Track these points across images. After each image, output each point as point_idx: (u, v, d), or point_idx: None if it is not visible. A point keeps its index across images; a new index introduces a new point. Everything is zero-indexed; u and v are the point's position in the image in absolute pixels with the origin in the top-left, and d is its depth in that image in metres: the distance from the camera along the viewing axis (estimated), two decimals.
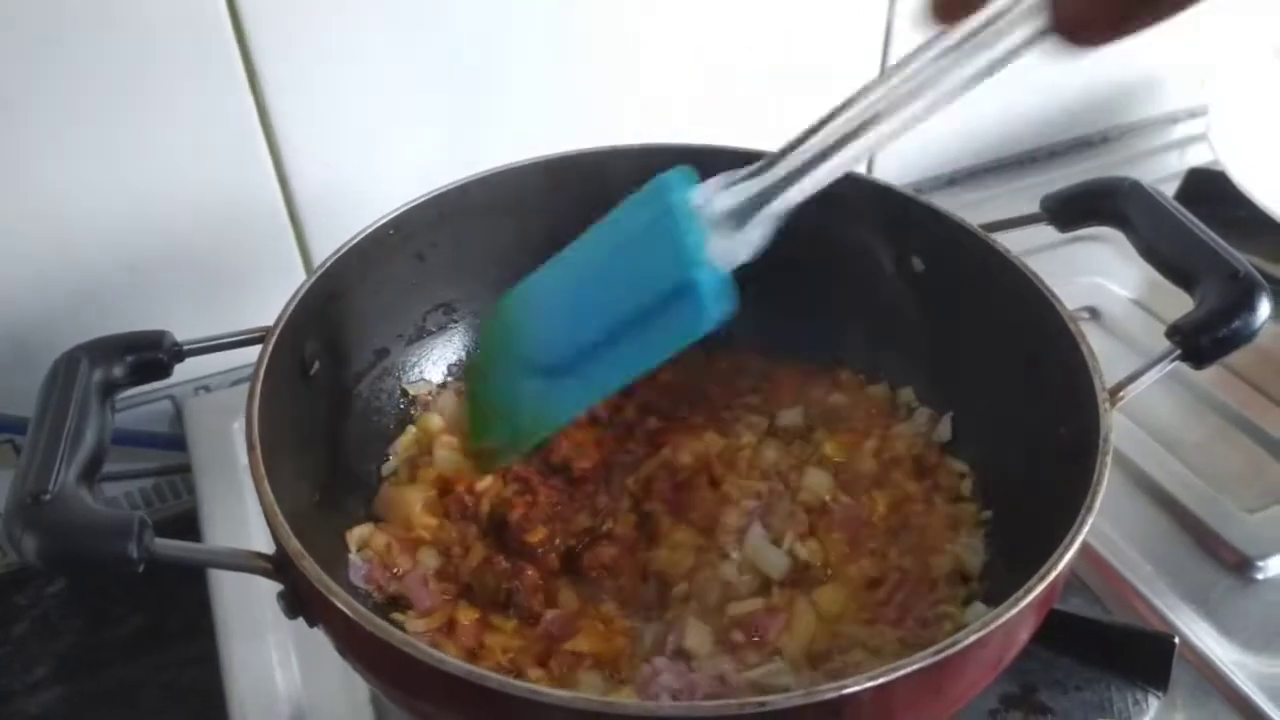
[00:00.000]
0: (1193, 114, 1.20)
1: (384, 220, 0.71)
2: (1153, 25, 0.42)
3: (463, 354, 0.80)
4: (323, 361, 0.68)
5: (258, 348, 0.62)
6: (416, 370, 0.78)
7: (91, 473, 0.54)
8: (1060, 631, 0.65)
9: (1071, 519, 0.53)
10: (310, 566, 0.49)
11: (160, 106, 0.76)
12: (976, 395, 0.73)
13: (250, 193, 0.82)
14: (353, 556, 0.67)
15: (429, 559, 0.67)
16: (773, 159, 0.53)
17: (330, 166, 0.84)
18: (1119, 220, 0.70)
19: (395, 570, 0.67)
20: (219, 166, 0.80)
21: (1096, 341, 0.62)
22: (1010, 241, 0.70)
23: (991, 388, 0.71)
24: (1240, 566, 0.73)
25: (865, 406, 0.78)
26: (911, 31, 0.49)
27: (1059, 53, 0.44)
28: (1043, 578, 0.49)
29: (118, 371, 0.59)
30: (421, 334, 0.78)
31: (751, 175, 0.54)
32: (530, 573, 0.65)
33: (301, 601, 0.53)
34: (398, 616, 0.64)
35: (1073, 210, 0.72)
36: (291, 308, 0.64)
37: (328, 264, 0.67)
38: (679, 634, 0.61)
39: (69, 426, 0.54)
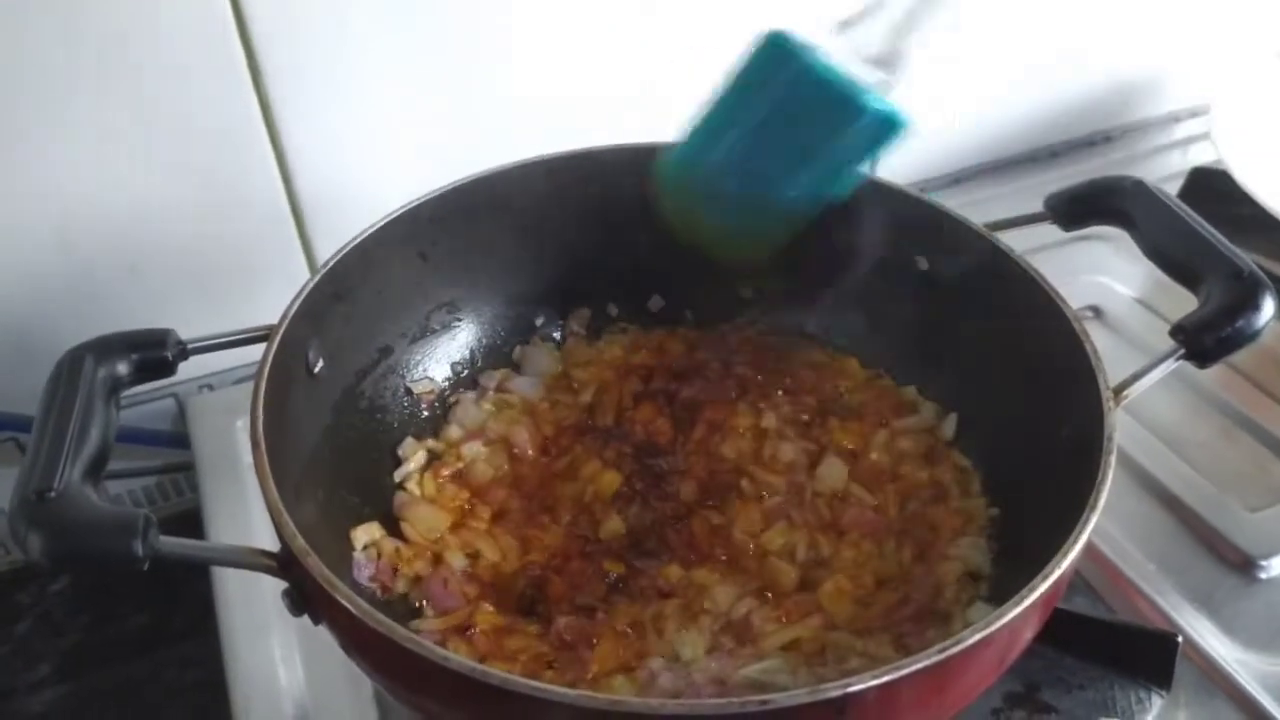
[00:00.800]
0: (1195, 113, 1.20)
1: (387, 219, 0.71)
2: None
3: (466, 352, 0.80)
4: (326, 360, 0.68)
5: (261, 346, 0.62)
6: (420, 369, 0.78)
7: (96, 470, 0.54)
8: (1064, 630, 0.65)
9: (1075, 518, 0.53)
10: (315, 564, 0.49)
11: (163, 105, 0.76)
12: (980, 394, 0.73)
13: (253, 191, 0.82)
14: (357, 555, 0.67)
15: (457, 560, 0.68)
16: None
17: (333, 164, 0.84)
18: (1123, 219, 0.70)
19: (404, 570, 0.67)
20: (222, 164, 0.80)
21: (1100, 340, 0.62)
22: (1014, 240, 0.70)
23: (995, 386, 0.71)
24: (1244, 565, 0.73)
25: (873, 400, 0.78)
26: None
27: None
28: (1046, 576, 0.49)
29: (122, 369, 0.59)
30: (425, 332, 0.78)
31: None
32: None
33: (306, 599, 0.53)
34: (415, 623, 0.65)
35: (1077, 209, 0.72)
36: (295, 307, 0.64)
37: (330, 263, 0.68)
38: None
39: (74, 424, 0.54)
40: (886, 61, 0.60)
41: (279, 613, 0.68)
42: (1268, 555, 0.73)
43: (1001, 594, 0.63)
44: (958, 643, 0.46)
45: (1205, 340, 0.62)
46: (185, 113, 0.77)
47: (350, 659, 0.54)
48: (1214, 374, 0.86)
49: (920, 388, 0.78)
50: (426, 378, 0.78)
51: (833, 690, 0.44)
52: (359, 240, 0.69)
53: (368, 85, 0.82)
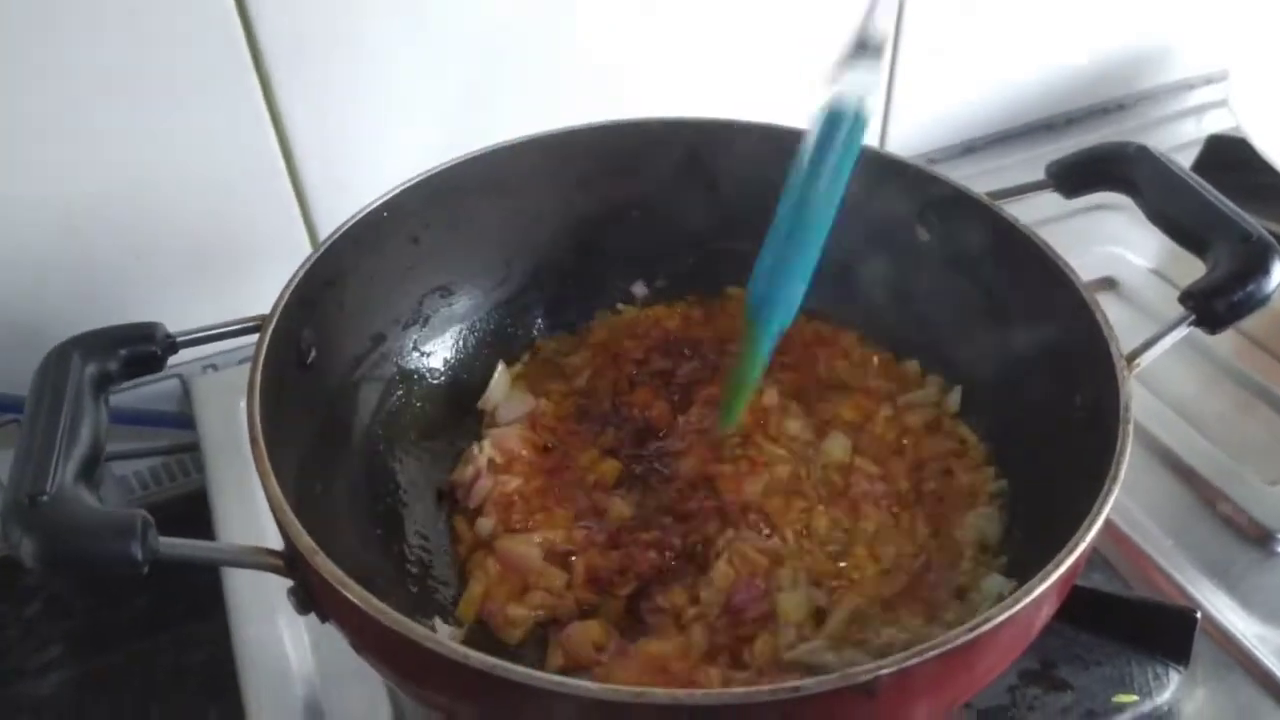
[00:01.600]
0: (1209, 80, 1.19)
1: (377, 203, 0.69)
2: None
3: (460, 339, 0.79)
4: (320, 349, 0.66)
5: (254, 336, 0.60)
6: (414, 355, 0.76)
7: (90, 471, 0.52)
8: (1080, 607, 0.64)
9: (1095, 489, 0.52)
10: (323, 562, 0.48)
11: (164, 87, 0.74)
12: (988, 366, 0.72)
13: (256, 175, 0.81)
14: None
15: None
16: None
17: (337, 147, 0.82)
18: (1127, 185, 0.69)
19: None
20: (224, 148, 0.79)
21: (1115, 312, 0.61)
22: (1026, 212, 0.68)
23: (1004, 358, 0.70)
24: (1262, 539, 0.72)
25: (875, 375, 0.77)
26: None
27: None
28: (1072, 550, 0.49)
29: (111, 366, 0.57)
30: (418, 317, 0.76)
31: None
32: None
33: (313, 597, 0.52)
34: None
35: (1079, 176, 0.71)
36: (286, 296, 0.62)
37: (321, 249, 0.66)
38: None
39: (63, 424, 0.52)
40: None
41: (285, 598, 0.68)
42: None
43: (1017, 567, 0.63)
44: (986, 621, 0.45)
45: (1215, 306, 0.61)
46: (187, 95, 0.75)
47: (361, 656, 0.52)
48: (1230, 344, 0.85)
49: (925, 361, 0.77)
50: (421, 364, 0.77)
51: (863, 674, 0.43)
52: (348, 226, 0.68)
53: (371, 66, 0.80)
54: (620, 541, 0.67)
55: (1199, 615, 0.65)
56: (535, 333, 0.82)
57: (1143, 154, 0.69)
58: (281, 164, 0.81)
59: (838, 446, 0.72)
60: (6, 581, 0.85)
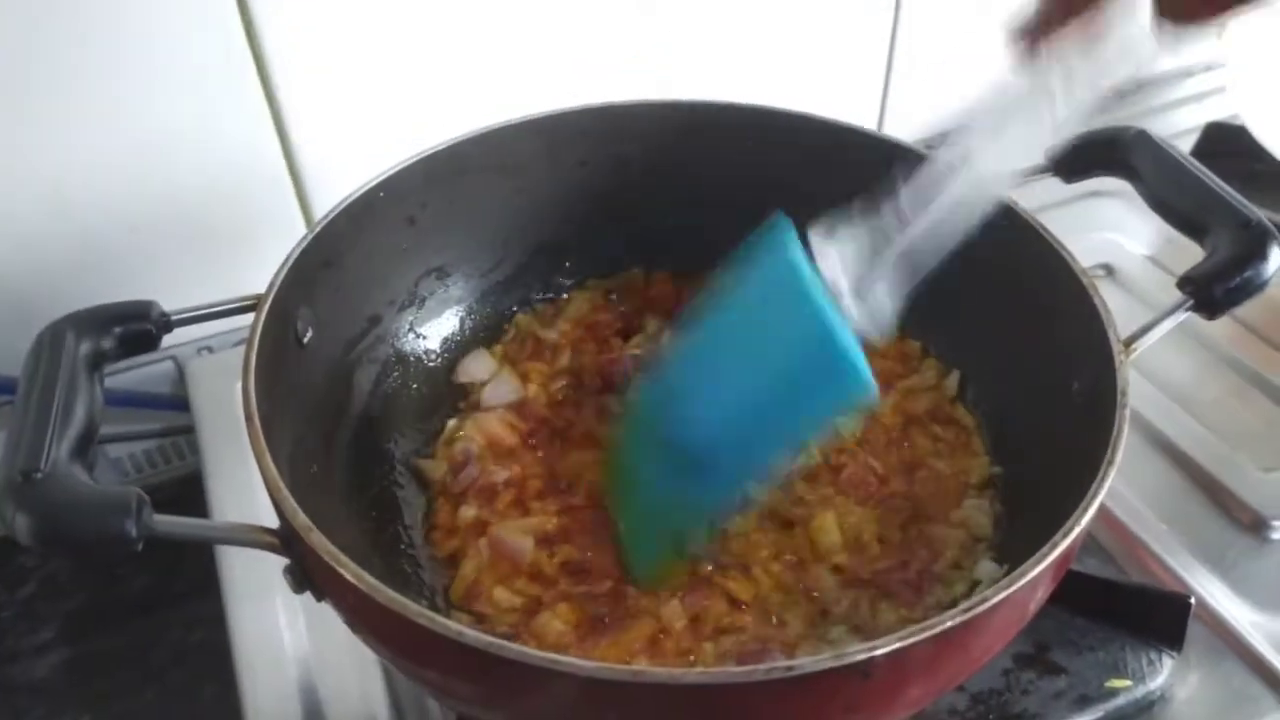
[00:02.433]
0: (1208, 67, 1.18)
1: (373, 183, 0.69)
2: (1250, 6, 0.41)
3: (456, 321, 0.79)
4: (316, 330, 0.66)
5: (249, 316, 0.60)
6: (410, 337, 0.76)
7: (84, 449, 0.51)
8: (1074, 591, 0.63)
9: (1091, 474, 0.52)
10: (319, 540, 0.48)
11: (159, 64, 0.74)
12: (985, 350, 0.72)
13: (251, 154, 0.81)
14: None
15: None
16: (879, 204, 0.54)
17: (333, 126, 0.82)
18: (1125, 170, 0.69)
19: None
20: (219, 124, 0.78)
21: (1113, 298, 0.61)
22: (1025, 197, 0.68)
23: (1001, 343, 0.70)
24: (1256, 526, 0.73)
25: (878, 358, 0.76)
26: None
27: (1164, 43, 0.44)
28: (1068, 532, 0.49)
29: (105, 344, 0.57)
30: (414, 299, 0.76)
31: (862, 222, 0.54)
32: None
33: (308, 576, 0.52)
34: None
35: (1077, 160, 0.71)
36: (282, 275, 0.62)
37: (317, 229, 0.65)
38: None
39: (58, 401, 0.52)
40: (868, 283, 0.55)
41: (285, 585, 0.68)
42: None
43: (1009, 551, 0.63)
44: (981, 602, 0.45)
45: (1213, 291, 0.61)
46: (181, 72, 0.75)
47: (356, 635, 0.52)
48: (1226, 332, 0.86)
49: (923, 345, 0.77)
50: (416, 346, 0.76)
51: (858, 654, 0.43)
52: (345, 205, 0.67)
53: (367, 45, 0.80)
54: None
55: (1192, 601, 0.65)
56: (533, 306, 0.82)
57: (1141, 139, 0.69)
58: (276, 143, 0.81)
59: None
60: (1, 563, 0.85)
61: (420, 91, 0.84)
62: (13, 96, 0.72)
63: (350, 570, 0.46)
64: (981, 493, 0.69)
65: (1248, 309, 0.80)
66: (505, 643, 0.43)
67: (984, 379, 0.73)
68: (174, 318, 0.60)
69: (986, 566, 0.64)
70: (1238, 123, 0.95)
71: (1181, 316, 0.61)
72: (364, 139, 0.83)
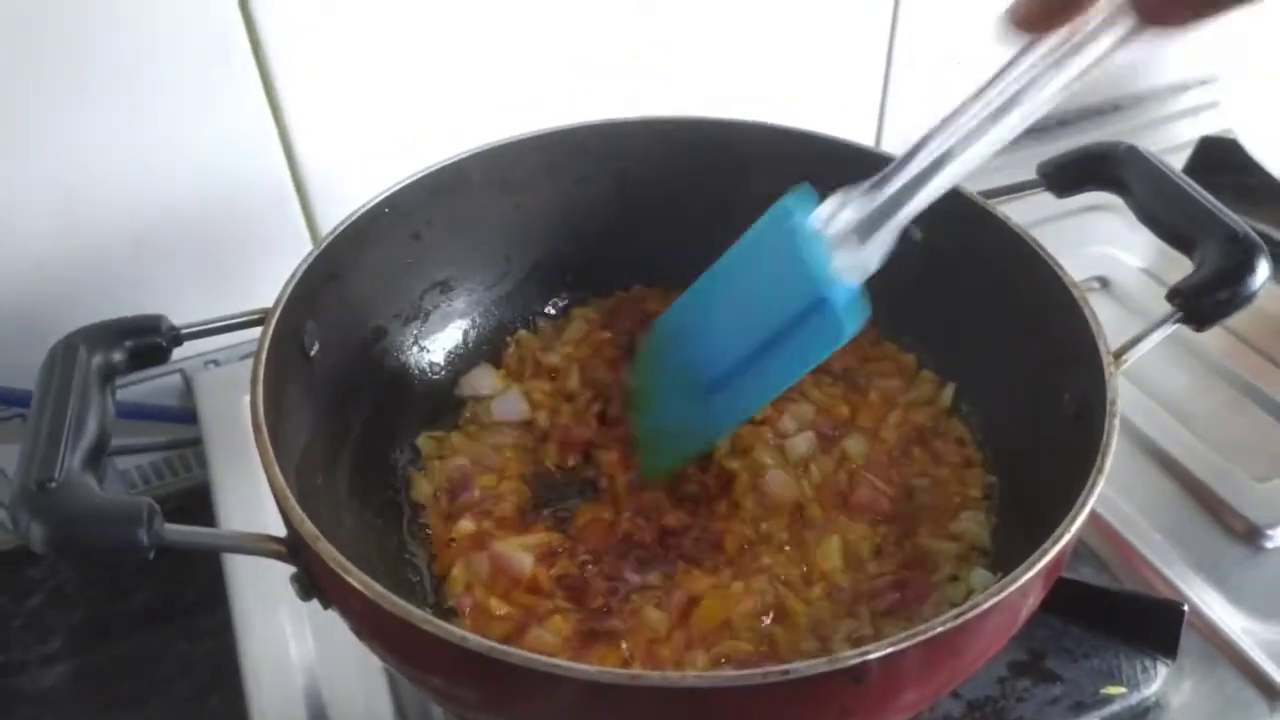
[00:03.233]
0: (1202, 82, 1.20)
1: (378, 199, 0.70)
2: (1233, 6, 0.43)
3: (459, 335, 0.80)
4: (322, 343, 0.67)
5: (257, 330, 0.61)
6: (415, 350, 0.77)
7: (96, 459, 0.53)
8: (1069, 599, 0.65)
9: (1082, 481, 0.53)
10: (325, 548, 0.49)
11: (166, 78, 0.75)
12: (979, 363, 0.73)
13: (256, 166, 0.82)
14: None
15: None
16: (887, 173, 0.57)
17: (337, 139, 0.83)
18: (1116, 185, 0.70)
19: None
20: (224, 141, 0.79)
21: (1107, 311, 0.63)
22: (1020, 212, 0.69)
23: (994, 355, 0.71)
24: (1249, 535, 0.74)
25: (876, 367, 0.78)
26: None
27: (1146, 43, 0.46)
28: (1058, 540, 0.50)
29: (116, 357, 0.59)
30: (418, 313, 0.77)
31: (871, 188, 0.58)
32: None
33: (315, 584, 0.53)
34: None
35: (1069, 175, 0.72)
36: (289, 289, 0.63)
37: (324, 244, 0.67)
38: None
39: (70, 413, 0.53)
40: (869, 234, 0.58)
41: (289, 587, 0.68)
42: (1273, 525, 0.74)
43: (1004, 562, 0.64)
44: (972, 608, 0.46)
45: (1202, 303, 0.62)
46: (188, 87, 0.76)
47: (362, 642, 0.53)
48: (1220, 344, 0.87)
49: (917, 357, 0.78)
50: (420, 359, 0.78)
51: (852, 659, 0.44)
52: (351, 221, 0.69)
53: (372, 61, 0.81)
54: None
55: (1186, 608, 0.65)
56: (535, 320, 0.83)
57: (1132, 154, 0.70)
58: (283, 159, 0.82)
59: (857, 449, 0.73)
60: (10, 573, 0.85)
61: (422, 99, 0.85)
62: (20, 113, 0.73)
63: (356, 577, 0.48)
64: (978, 504, 0.70)
65: (1240, 322, 0.83)
66: (509, 649, 0.44)
67: (977, 391, 0.74)
68: (183, 331, 0.61)
69: (981, 575, 0.65)
70: (1231, 137, 0.96)
71: (1171, 329, 0.62)
72: (369, 153, 0.84)
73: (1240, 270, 0.62)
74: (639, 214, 0.82)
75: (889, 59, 0.99)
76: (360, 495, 0.69)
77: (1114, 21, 0.48)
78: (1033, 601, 0.53)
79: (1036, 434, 0.66)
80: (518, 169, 0.77)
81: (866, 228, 0.58)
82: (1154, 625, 0.66)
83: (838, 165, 0.75)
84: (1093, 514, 0.71)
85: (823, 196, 0.61)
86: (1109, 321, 0.61)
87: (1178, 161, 0.70)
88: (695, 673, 0.46)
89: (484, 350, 0.81)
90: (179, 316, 0.62)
